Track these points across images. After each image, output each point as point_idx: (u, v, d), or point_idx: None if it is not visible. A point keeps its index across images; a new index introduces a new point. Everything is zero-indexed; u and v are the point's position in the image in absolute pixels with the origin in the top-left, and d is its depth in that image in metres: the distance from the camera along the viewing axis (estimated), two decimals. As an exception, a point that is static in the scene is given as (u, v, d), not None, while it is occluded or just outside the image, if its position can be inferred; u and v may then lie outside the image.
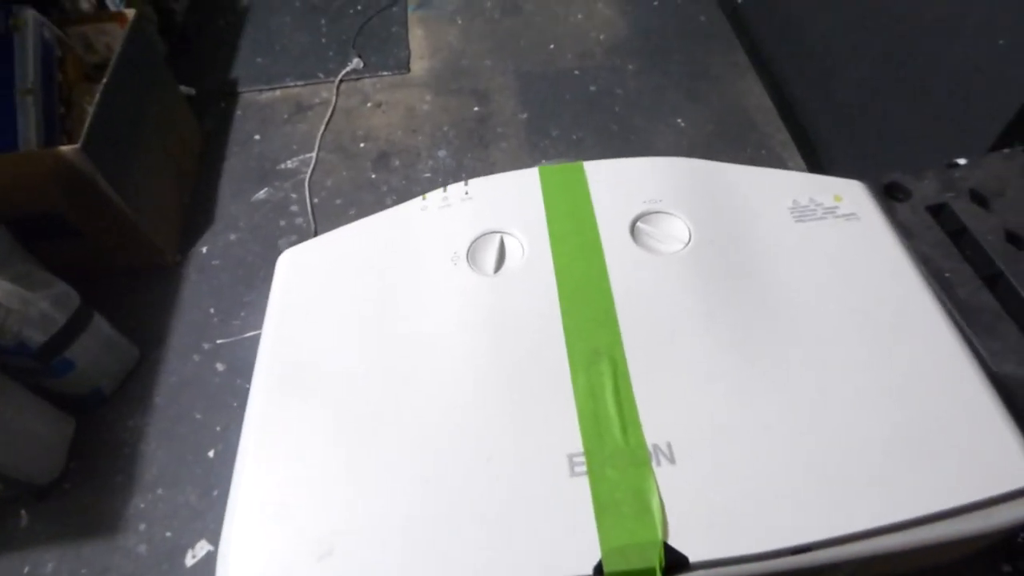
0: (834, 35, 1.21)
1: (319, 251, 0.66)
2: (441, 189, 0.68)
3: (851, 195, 0.61)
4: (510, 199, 0.64)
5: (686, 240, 0.58)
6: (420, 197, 0.68)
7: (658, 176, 0.64)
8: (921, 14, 0.97)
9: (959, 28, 0.90)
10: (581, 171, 0.64)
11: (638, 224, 0.59)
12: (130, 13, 1.25)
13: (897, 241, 0.58)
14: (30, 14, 1.12)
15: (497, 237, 0.60)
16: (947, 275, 0.62)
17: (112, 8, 1.36)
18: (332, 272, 0.62)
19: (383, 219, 0.67)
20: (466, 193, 0.66)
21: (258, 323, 0.62)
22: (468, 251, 0.60)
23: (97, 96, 1.06)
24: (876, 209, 0.61)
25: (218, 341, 1.06)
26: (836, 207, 0.60)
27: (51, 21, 1.17)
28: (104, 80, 1.09)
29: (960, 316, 0.59)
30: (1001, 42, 0.83)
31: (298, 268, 0.64)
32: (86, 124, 1.01)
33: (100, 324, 0.97)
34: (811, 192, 0.61)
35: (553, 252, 0.58)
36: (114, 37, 1.24)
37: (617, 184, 0.63)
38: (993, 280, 0.61)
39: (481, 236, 0.60)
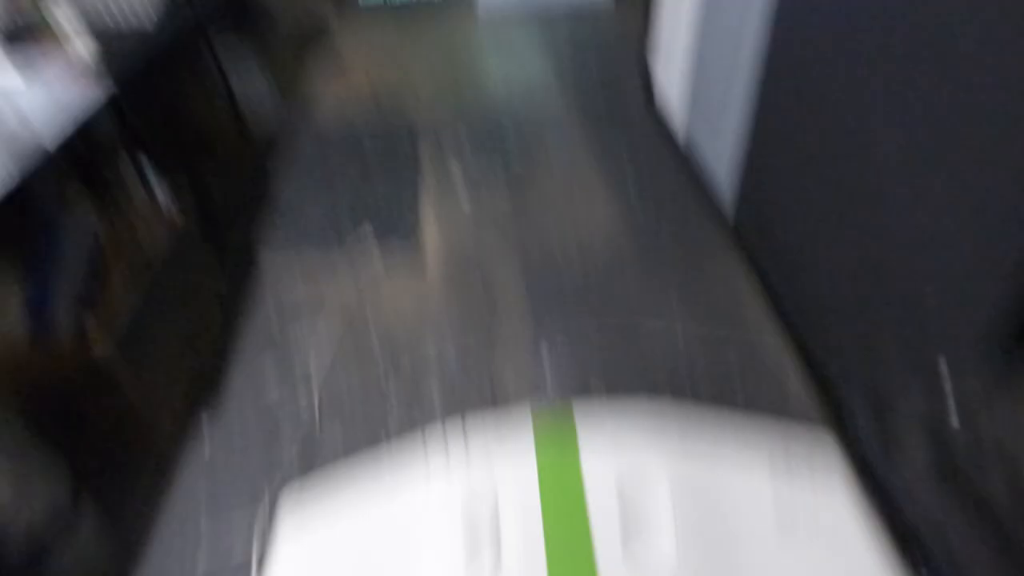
0: (824, 250, 1.27)
1: (318, 509, 0.67)
2: (441, 438, 0.69)
3: (823, 457, 0.63)
4: (504, 460, 0.66)
5: (672, 550, 0.58)
6: (420, 443, 0.70)
7: (644, 452, 0.66)
8: (900, 233, 1.03)
9: (934, 241, 0.96)
10: (574, 438, 0.66)
11: (624, 527, 0.60)
12: (177, 210, 1.37)
13: (865, 525, 0.58)
14: (84, 201, 1.21)
15: (492, 519, 0.61)
16: (929, 528, 0.61)
17: (161, 199, 1.48)
18: (330, 544, 0.63)
19: (383, 474, 0.69)
20: (464, 446, 0.67)
21: (248, 550, 0.61)
22: (464, 537, 0.60)
23: (134, 297, 1.13)
24: (846, 478, 0.62)
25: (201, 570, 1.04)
26: (811, 481, 0.61)
27: (102, 207, 1.27)
28: (143, 281, 1.16)
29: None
30: (970, 259, 0.88)
31: (296, 528, 0.65)
32: (118, 323, 1.07)
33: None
34: (787, 478, 0.63)
35: (547, 550, 0.58)
36: (160, 227, 1.33)
37: (606, 454, 0.65)
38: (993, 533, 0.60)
39: (476, 516, 0.61)
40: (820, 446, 0.66)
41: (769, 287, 1.50)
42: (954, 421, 0.71)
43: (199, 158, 1.87)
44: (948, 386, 0.70)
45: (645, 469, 0.62)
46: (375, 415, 1.30)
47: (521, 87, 2.59)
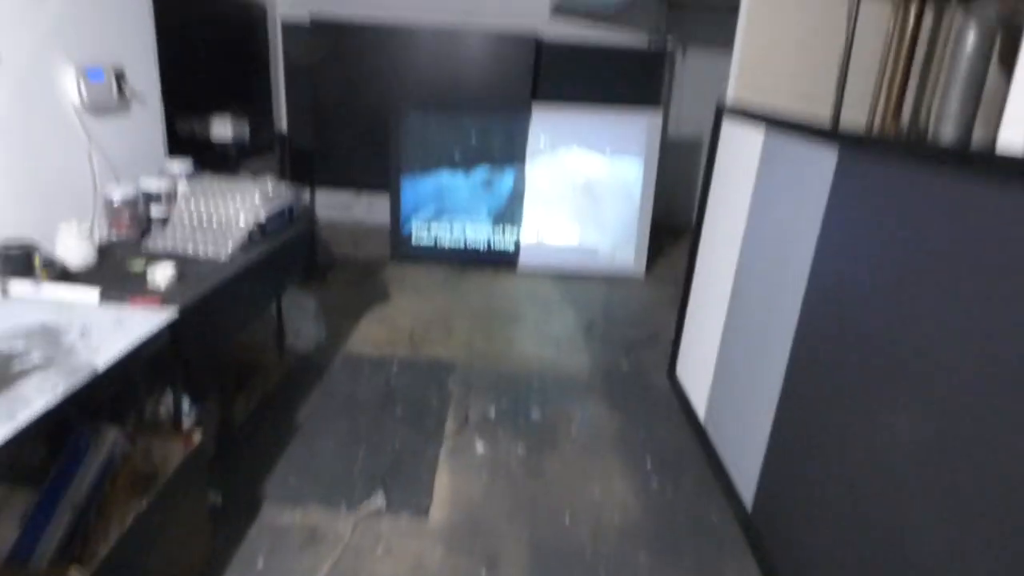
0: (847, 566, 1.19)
1: None
2: None
3: None
4: None
5: None
6: None
7: None
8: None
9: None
10: None
11: None
12: (195, 426, 1.39)
13: None
14: (112, 434, 1.23)
15: None
16: None
17: (185, 423, 1.51)
18: None
19: None
20: None
21: None
22: None
23: (128, 516, 1.10)
24: None
25: None
26: None
27: (129, 426, 1.28)
28: (142, 499, 1.14)
29: None
30: None
31: None
32: (102, 543, 1.03)
33: None
34: None
35: None
36: (173, 454, 1.34)
37: None
38: None
39: None
40: None
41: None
42: None
43: (232, 383, 1.95)
44: None
45: None
46: None
47: (550, 340, 2.72)
